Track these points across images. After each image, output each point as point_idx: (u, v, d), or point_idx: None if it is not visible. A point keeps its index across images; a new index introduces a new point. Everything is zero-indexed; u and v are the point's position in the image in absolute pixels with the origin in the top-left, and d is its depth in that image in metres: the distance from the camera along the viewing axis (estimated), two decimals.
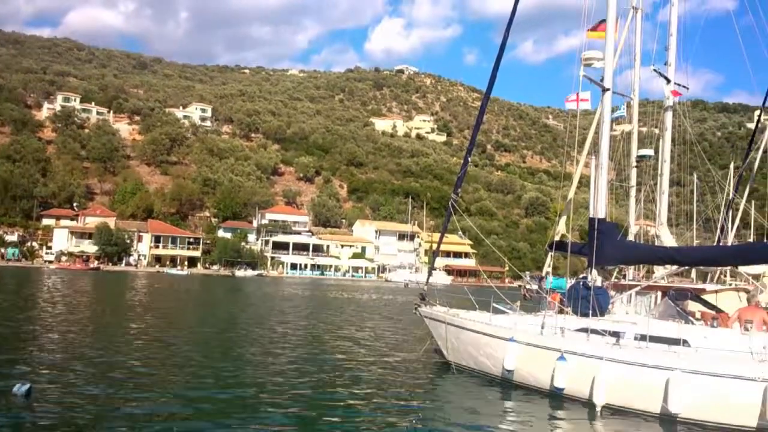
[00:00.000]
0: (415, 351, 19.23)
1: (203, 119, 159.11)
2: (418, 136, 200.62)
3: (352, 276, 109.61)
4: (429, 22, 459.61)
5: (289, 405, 12.14)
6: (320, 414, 11.66)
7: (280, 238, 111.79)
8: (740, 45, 21.08)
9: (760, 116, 34.74)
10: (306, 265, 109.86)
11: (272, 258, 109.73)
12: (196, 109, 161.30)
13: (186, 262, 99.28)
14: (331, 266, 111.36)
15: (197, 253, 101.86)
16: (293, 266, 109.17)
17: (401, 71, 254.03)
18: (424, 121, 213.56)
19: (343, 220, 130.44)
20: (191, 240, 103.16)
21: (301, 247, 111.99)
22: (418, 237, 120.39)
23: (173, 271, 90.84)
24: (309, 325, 27.31)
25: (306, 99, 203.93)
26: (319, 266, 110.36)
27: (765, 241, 27.07)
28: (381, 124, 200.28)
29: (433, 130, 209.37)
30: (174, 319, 28.22)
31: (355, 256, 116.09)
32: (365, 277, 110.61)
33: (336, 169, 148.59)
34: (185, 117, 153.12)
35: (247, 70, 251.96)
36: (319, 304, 41.78)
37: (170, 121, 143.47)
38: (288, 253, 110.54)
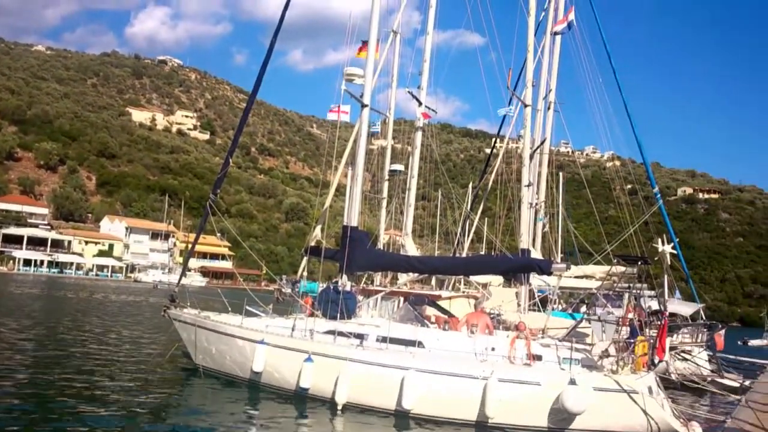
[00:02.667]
0: (161, 355, 18.39)
1: None
2: (180, 132, 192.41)
3: (97, 275, 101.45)
4: (198, 15, 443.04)
5: (17, 416, 10.87)
6: (56, 426, 10.61)
7: (12, 230, 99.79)
8: (483, 78, 23.57)
9: (495, 143, 39.20)
10: (42, 262, 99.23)
11: (1, 252, 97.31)
12: None
13: None
14: (72, 264, 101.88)
15: None
16: (27, 262, 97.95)
17: (164, 62, 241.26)
18: (187, 116, 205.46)
19: (90, 215, 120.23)
20: None
21: (37, 242, 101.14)
22: (174, 237, 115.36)
23: None
24: (42, 328, 24.64)
25: (53, 79, 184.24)
26: (58, 263, 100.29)
27: (492, 254, 30.51)
28: (139, 116, 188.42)
29: (195, 127, 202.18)
30: None
31: (102, 253, 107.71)
32: (111, 276, 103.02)
33: (84, 158, 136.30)
34: None
35: None
36: (55, 305, 37.93)
37: None
38: (21, 248, 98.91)
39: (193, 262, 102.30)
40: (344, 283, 16.46)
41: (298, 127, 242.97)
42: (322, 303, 16.01)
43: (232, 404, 13.76)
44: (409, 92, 24.29)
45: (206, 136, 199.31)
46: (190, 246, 20.81)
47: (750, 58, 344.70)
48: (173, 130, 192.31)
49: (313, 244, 19.91)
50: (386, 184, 26.10)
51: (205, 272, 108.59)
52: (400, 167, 26.09)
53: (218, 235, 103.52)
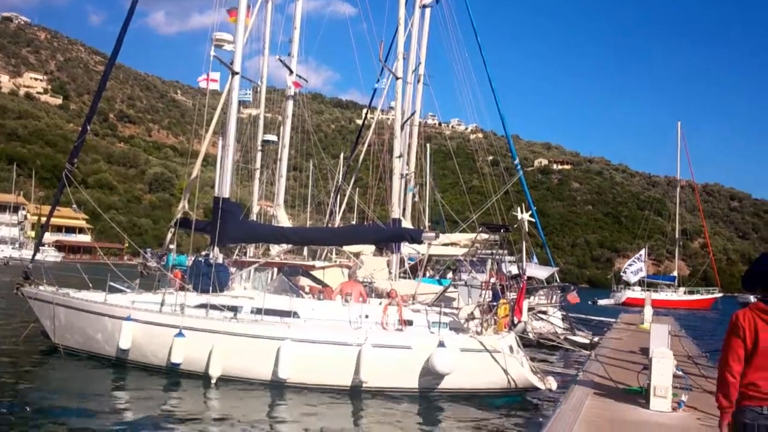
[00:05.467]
0: (16, 336, 17.21)
1: None
2: (28, 96, 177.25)
3: None
4: None
5: None
6: None
7: None
8: (354, 49, 23.66)
9: (366, 115, 39.56)
10: None
11: None
12: None
13: None
14: None
15: None
16: None
17: (9, 19, 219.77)
18: (36, 79, 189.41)
19: None
20: None
21: None
22: (24, 209, 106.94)
23: None
24: None
25: None
26: None
27: (365, 224, 31.00)
28: None
29: (46, 91, 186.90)
30: None
31: None
32: None
33: None
34: None
35: None
36: None
37: None
38: None
39: (48, 236, 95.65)
40: (216, 255, 16.15)
41: (161, 93, 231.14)
42: (192, 276, 15.63)
43: (98, 384, 13.23)
44: (279, 60, 23.90)
45: (59, 101, 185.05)
46: (43, 219, 19.39)
47: (608, 40, 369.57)
48: (21, 94, 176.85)
49: (181, 215, 19.30)
50: (259, 154, 25.67)
51: (60, 247, 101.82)
52: (273, 138, 25.70)
53: (73, 207, 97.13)
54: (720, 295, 68.28)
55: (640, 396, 10.41)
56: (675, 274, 71.50)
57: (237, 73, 17.39)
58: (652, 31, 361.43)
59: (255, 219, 24.76)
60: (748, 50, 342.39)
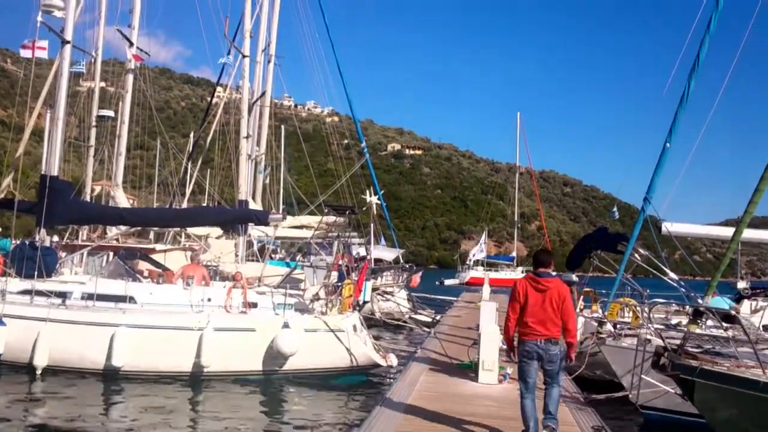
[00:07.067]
0: None
1: None
2: None
3: None
4: None
5: None
6: None
7: None
8: (200, 24, 22.72)
9: (214, 93, 38.29)
10: None
11: None
12: None
13: None
14: None
15: None
16: None
17: None
18: None
19: None
20: None
21: None
22: None
23: None
24: None
25: None
26: None
27: (210, 205, 30.16)
28: None
29: None
30: None
31: None
32: None
33: None
34: None
35: None
36: None
37: None
38: None
39: None
40: (42, 238, 15.00)
41: None
42: (15, 260, 14.43)
43: None
44: (118, 30, 22.48)
45: None
46: None
47: (457, 32, 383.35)
48: None
49: (3, 195, 17.76)
50: (94, 131, 24.01)
51: None
52: (110, 113, 24.14)
53: None
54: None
55: (471, 370, 11.05)
56: (514, 254, 76.42)
57: (68, 42, 16.18)
58: (497, 27, 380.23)
59: (91, 200, 23.25)
60: (584, 45, 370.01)
